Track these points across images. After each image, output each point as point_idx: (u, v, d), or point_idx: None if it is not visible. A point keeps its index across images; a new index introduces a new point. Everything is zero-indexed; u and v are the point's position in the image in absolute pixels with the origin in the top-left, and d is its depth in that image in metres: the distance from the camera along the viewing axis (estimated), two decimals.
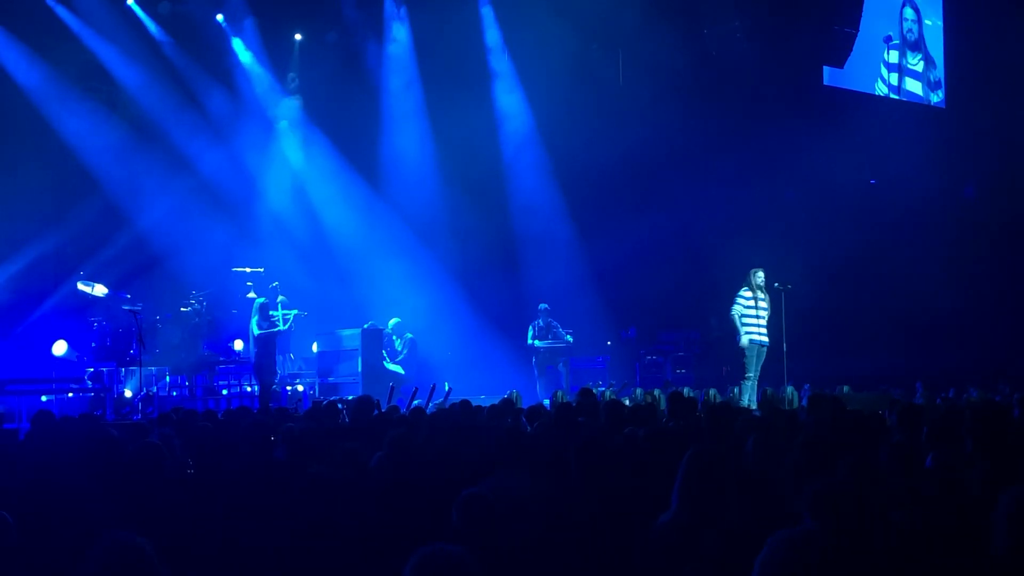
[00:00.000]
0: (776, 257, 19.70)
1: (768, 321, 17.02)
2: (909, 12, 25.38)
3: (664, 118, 22.58)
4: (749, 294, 16.88)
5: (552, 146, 23.64)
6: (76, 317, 19.43)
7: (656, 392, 15.80)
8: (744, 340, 16.74)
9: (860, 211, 24.31)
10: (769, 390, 16.16)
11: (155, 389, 18.91)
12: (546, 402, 15.59)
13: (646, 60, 23.14)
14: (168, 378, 19.24)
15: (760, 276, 17.07)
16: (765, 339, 16.97)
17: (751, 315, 16.86)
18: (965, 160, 24.92)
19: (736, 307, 16.86)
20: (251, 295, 20.20)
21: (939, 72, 25.73)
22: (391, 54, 23.20)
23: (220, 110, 21.96)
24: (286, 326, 18.24)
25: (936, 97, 25.73)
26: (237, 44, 22.27)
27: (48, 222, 19.90)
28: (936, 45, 25.76)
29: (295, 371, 20.94)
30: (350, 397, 15.88)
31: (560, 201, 23.69)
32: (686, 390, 15.56)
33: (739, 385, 16.92)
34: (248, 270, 20.87)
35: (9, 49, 19.89)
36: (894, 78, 25.19)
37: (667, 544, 5.36)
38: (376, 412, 11.58)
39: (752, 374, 16.89)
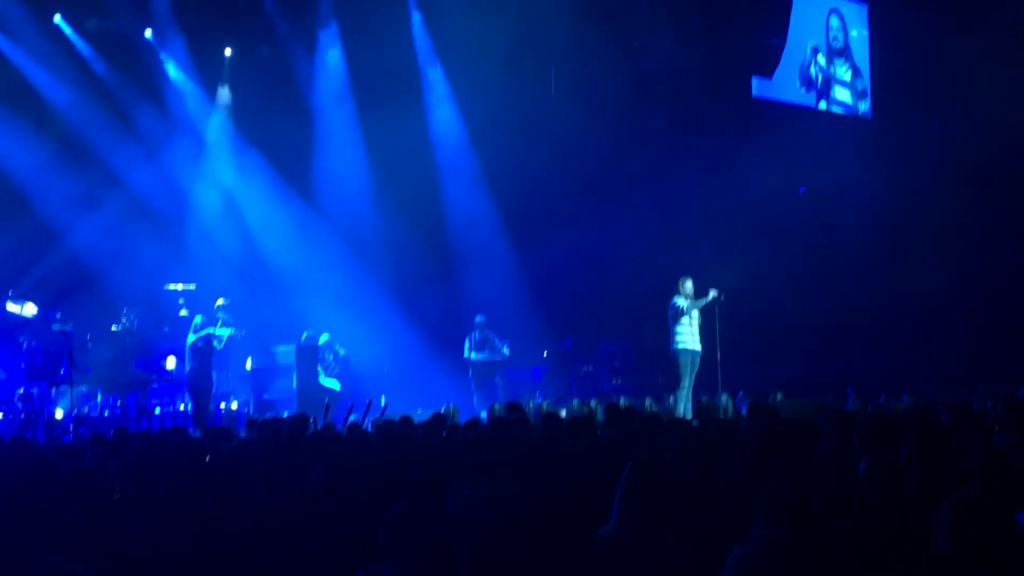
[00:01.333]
0: (709, 266, 19.87)
1: (700, 329, 17.18)
2: (835, 21, 25.67)
3: (597, 130, 22.70)
4: (683, 302, 17.03)
5: (486, 158, 23.63)
6: (5, 338, 19.13)
7: (593, 403, 15.84)
8: (687, 346, 16.90)
9: (790, 220, 24.51)
10: (704, 399, 16.26)
11: (87, 409, 18.69)
12: (483, 414, 15.58)
13: (578, 72, 23.28)
14: (100, 398, 19.02)
15: (688, 285, 17.24)
16: (698, 347, 17.12)
17: (684, 322, 17.01)
18: (893, 168, 25.21)
19: (676, 304, 16.96)
20: (183, 312, 20.06)
21: (866, 82, 26.02)
22: (322, 67, 23.12)
23: (150, 126, 21.75)
24: (220, 345, 18.10)
25: (864, 106, 26.02)
26: (166, 59, 22.08)
27: None
28: (862, 55, 26.06)
29: (228, 389, 20.76)
30: (286, 414, 15.78)
31: (495, 213, 23.69)
32: (622, 400, 15.64)
33: (674, 394, 17.01)
34: (180, 287, 20.72)
35: None
36: (821, 87, 25.45)
37: (608, 556, 5.37)
38: (312, 429, 11.49)
39: (687, 383, 17.01)
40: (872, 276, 24.19)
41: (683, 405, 16.52)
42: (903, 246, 24.64)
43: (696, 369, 17.15)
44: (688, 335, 17.06)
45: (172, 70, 22.22)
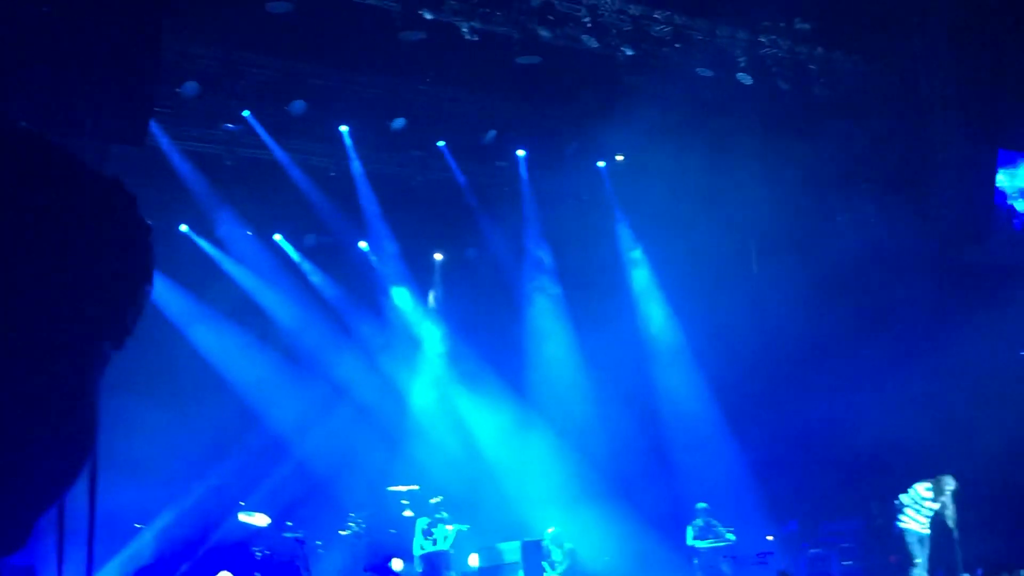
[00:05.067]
0: (933, 440, 19.41)
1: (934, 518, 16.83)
2: None
3: (804, 302, 22.55)
4: (928, 493, 16.69)
5: (693, 337, 23.74)
6: (239, 548, 19.66)
7: None
8: (919, 528, 16.51)
9: (1009, 383, 23.67)
10: None
11: None
12: None
13: (779, 247, 23.28)
14: None
15: (951, 484, 16.87)
16: (927, 532, 16.73)
17: (918, 508, 16.69)
18: None
19: (904, 496, 16.65)
20: (408, 513, 20.35)
21: None
22: (530, 266, 23.72)
23: (368, 333, 22.55)
24: (447, 544, 18.28)
25: None
26: (380, 268, 22.95)
27: (210, 456, 20.33)
28: None
29: None
30: None
31: (709, 396, 23.63)
32: None
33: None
34: (404, 488, 21.07)
35: (163, 291, 20.67)
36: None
37: None
38: None
39: (920, 560, 16.58)
40: None
41: None
42: None
43: (927, 549, 16.71)
44: (913, 519, 16.72)
45: (386, 278, 23.04)
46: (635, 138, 21.46)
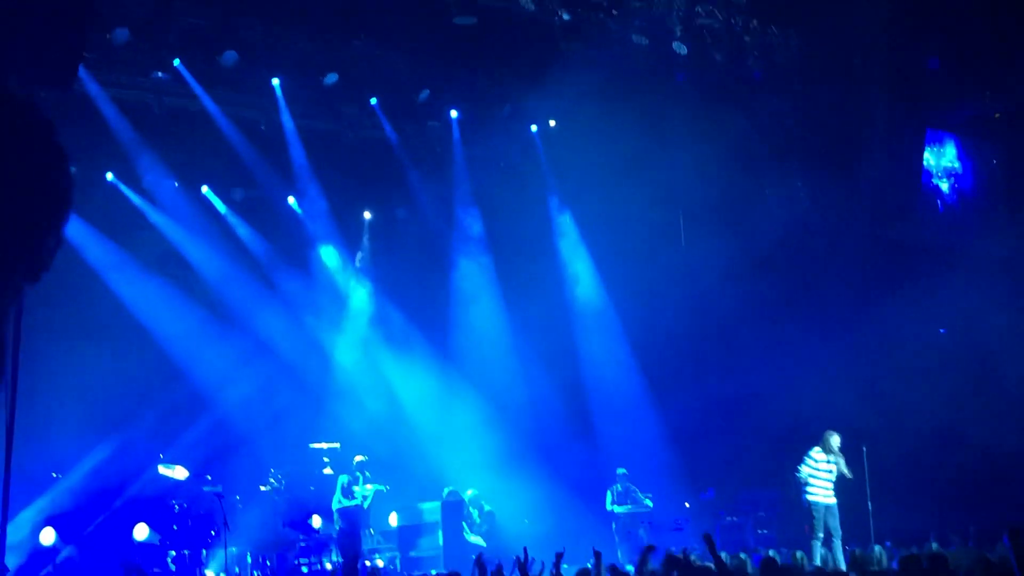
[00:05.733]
0: (851, 411, 19.72)
1: (836, 482, 17.11)
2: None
3: (731, 275, 22.75)
4: (820, 457, 17.04)
5: (619, 306, 23.90)
6: (158, 501, 19.56)
7: (743, 555, 15.60)
8: (818, 499, 16.85)
9: (927, 361, 24.07)
10: (858, 551, 15.92)
11: (237, 570, 18.91)
12: (630, 568, 15.41)
13: (707, 221, 23.42)
14: (249, 558, 19.22)
15: (836, 439, 17.19)
16: (832, 500, 17.05)
17: (818, 476, 17.02)
18: None
19: (804, 468, 17.00)
20: (328, 471, 20.33)
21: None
22: (460, 229, 23.67)
23: (293, 289, 22.41)
24: (366, 504, 18.30)
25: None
26: (307, 224, 22.78)
27: (130, 408, 20.14)
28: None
29: (374, 546, 20.86)
30: (434, 572, 15.84)
31: (633, 365, 23.81)
32: (771, 552, 15.42)
33: (810, 545, 16.93)
34: (325, 446, 21.04)
35: (87, 239, 20.42)
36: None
37: None
38: None
39: (821, 534, 16.95)
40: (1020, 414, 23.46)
41: (817, 556, 16.38)
42: None
43: (835, 519, 17.06)
44: (820, 489, 17.04)
45: (314, 235, 22.88)
46: (569, 104, 21.49)
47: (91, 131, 19.43)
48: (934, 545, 16.80)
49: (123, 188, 20.80)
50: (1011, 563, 7.17)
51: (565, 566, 15.57)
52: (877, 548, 15.84)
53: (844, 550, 16.83)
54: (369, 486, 18.83)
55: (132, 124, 20.01)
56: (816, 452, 17.17)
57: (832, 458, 17.17)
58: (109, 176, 20.69)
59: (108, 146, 19.87)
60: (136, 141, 20.18)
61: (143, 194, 20.98)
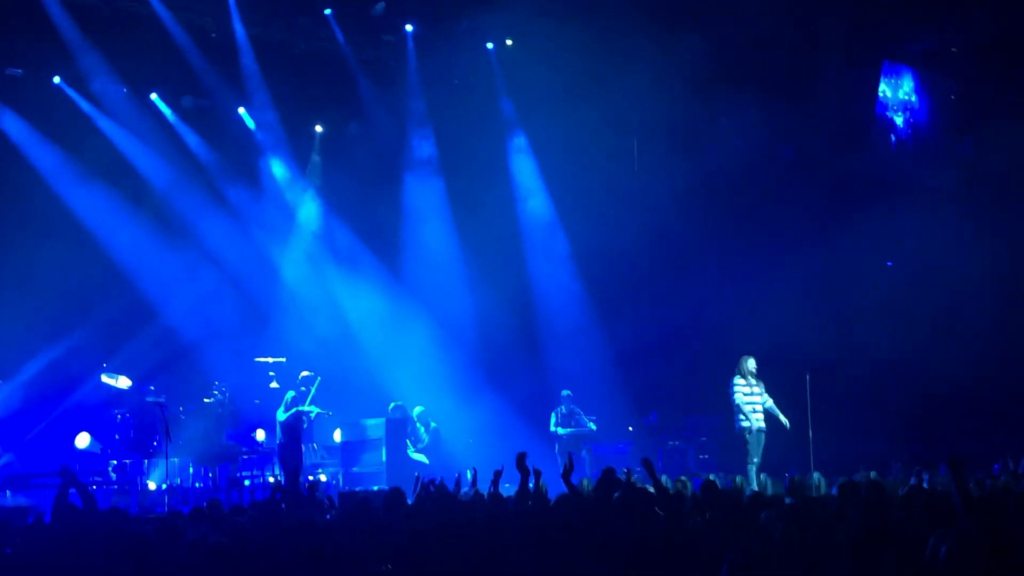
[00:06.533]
0: (798, 340, 19.83)
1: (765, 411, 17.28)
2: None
3: (683, 202, 22.74)
4: (743, 381, 17.16)
5: (571, 230, 23.84)
6: (100, 410, 19.45)
7: (684, 478, 15.70)
8: (752, 424, 16.99)
9: (875, 293, 24.23)
10: (796, 477, 16.05)
11: (179, 480, 18.89)
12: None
13: (661, 146, 23.32)
14: (191, 469, 19.19)
15: (751, 363, 17.32)
16: (763, 424, 17.21)
17: (751, 401, 17.13)
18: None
19: (737, 395, 17.10)
20: (274, 385, 20.25)
21: None
22: (411, 145, 23.44)
23: (242, 200, 22.16)
24: (307, 424, 18.26)
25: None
26: (258, 136, 22.49)
27: (74, 315, 19.93)
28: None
29: (317, 460, 20.87)
30: (375, 488, 15.85)
31: (581, 288, 23.82)
32: (712, 476, 15.51)
33: (747, 470, 17.04)
34: (270, 360, 20.96)
35: (32, 142, 20.13)
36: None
37: None
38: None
39: (757, 460, 17.09)
40: (963, 347, 23.64)
41: (754, 481, 16.49)
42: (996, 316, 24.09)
43: (762, 445, 17.24)
44: (748, 414, 17.16)
45: (264, 147, 22.60)
46: (525, 23, 21.20)
47: (38, 33, 19.10)
48: (872, 473, 16.96)
49: (70, 92, 20.42)
50: (952, 492, 7.20)
51: (506, 484, 15.67)
52: (816, 475, 15.97)
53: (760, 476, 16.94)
54: (314, 406, 18.74)
55: (81, 27, 19.59)
56: (739, 380, 17.32)
57: (755, 381, 17.32)
58: (56, 79, 20.29)
59: (56, 50, 19.49)
60: (85, 46, 19.78)
61: (90, 99, 20.60)
